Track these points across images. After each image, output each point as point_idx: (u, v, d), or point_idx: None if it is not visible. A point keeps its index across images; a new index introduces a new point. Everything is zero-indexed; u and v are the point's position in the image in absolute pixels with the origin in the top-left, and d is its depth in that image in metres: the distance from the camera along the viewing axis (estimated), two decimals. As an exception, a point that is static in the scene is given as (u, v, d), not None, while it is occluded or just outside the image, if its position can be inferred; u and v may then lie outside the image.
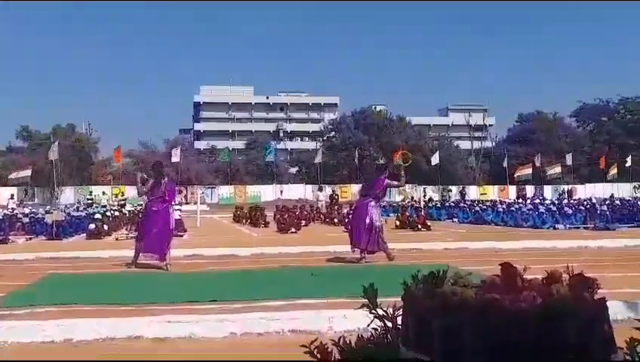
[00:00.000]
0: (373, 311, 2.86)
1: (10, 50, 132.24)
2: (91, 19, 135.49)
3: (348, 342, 2.75)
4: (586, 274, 2.69)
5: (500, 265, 2.73)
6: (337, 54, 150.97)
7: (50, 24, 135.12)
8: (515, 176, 52.77)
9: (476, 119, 76.82)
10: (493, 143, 71.12)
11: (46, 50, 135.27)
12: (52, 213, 19.43)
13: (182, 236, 17.39)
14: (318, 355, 2.68)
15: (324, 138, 68.03)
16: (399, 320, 2.87)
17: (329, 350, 2.73)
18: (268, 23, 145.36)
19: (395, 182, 12.76)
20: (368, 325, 2.84)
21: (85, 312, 6.18)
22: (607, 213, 21.61)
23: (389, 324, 2.84)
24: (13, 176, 46.12)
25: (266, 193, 52.64)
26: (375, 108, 67.95)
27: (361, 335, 2.77)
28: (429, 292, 2.69)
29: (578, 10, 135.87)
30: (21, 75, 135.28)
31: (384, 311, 2.85)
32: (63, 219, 19.35)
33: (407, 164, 13.20)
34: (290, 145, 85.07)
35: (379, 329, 2.79)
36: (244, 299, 6.91)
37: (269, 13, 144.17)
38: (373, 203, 11.05)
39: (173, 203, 11.06)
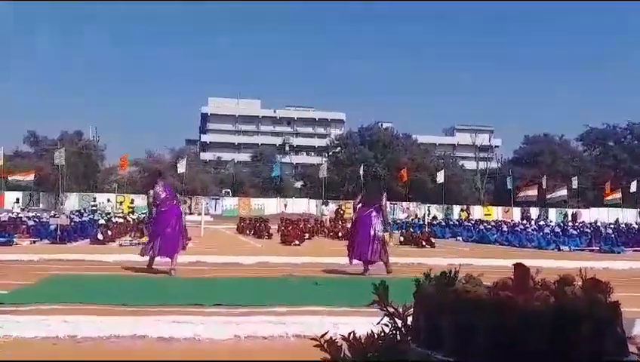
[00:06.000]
0: (383, 309, 2.86)
1: (20, 56, 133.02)
2: (102, 27, 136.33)
3: (358, 337, 2.74)
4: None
5: (513, 264, 2.73)
6: (345, 71, 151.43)
7: (60, 30, 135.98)
8: (519, 195, 52.62)
9: (482, 140, 76.89)
10: (499, 164, 71.04)
11: (55, 56, 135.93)
12: (57, 217, 19.46)
13: (186, 244, 17.34)
14: (328, 349, 2.68)
15: (330, 153, 68.05)
16: (409, 320, 2.86)
17: (339, 345, 2.73)
18: (277, 37, 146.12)
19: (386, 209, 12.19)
20: (378, 323, 2.83)
21: (89, 311, 6.17)
22: (613, 235, 21.54)
23: (399, 322, 2.83)
24: (13, 177, 46.03)
25: (270, 206, 52.58)
26: (381, 125, 67.98)
27: (372, 332, 2.76)
28: (441, 289, 2.68)
29: (585, 35, 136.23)
30: (30, 82, 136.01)
31: (394, 308, 2.84)
32: (68, 223, 19.38)
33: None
34: (295, 159, 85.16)
35: (389, 325, 2.78)
36: (249, 304, 6.89)
37: (279, 29, 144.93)
38: (374, 213, 11.03)
39: (176, 198, 11.06)
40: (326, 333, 2.71)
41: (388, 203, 11.46)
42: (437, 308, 2.59)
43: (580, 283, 2.63)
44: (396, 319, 2.83)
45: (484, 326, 2.43)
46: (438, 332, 2.57)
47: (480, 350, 2.42)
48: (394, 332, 2.80)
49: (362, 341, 2.77)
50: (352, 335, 2.75)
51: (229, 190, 58.51)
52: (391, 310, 2.83)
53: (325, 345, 2.68)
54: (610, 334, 2.47)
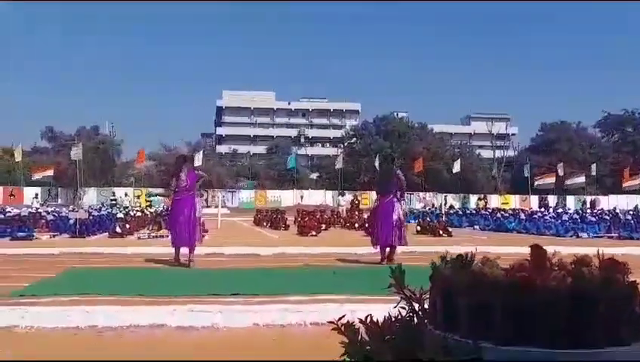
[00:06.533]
0: (400, 292, 2.86)
1: (37, 54, 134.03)
2: (120, 21, 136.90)
3: (375, 320, 2.75)
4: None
5: (529, 246, 2.72)
6: (360, 61, 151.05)
7: (77, 28, 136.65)
8: (536, 183, 52.18)
9: (499, 128, 76.36)
10: (516, 152, 70.55)
11: (72, 53, 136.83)
12: (76, 211, 19.65)
13: (203, 236, 17.45)
14: (346, 333, 2.69)
15: (345, 144, 67.98)
16: (426, 303, 2.86)
17: (356, 328, 2.73)
18: (291, 29, 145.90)
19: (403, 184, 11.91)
20: (395, 306, 2.84)
21: (108, 301, 6.24)
22: (632, 222, 21.32)
23: (416, 306, 2.83)
24: (36, 177, 46.65)
25: (287, 198, 52.69)
26: (397, 115, 67.74)
27: (389, 315, 2.77)
28: (457, 272, 2.68)
29: (602, 23, 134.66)
30: (48, 79, 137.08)
31: (411, 291, 2.84)
32: (87, 217, 19.57)
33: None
34: (311, 150, 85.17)
35: (406, 308, 2.78)
36: (267, 293, 6.93)
37: (293, 20, 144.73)
38: (395, 199, 11.01)
39: (194, 190, 10.79)
40: (343, 316, 2.72)
41: (404, 181, 11.30)
42: (453, 290, 2.58)
43: (597, 264, 2.62)
44: (413, 302, 2.83)
45: (501, 307, 2.42)
46: (454, 314, 2.56)
47: (497, 330, 2.42)
48: (411, 315, 2.81)
49: (379, 324, 2.77)
50: (369, 318, 2.76)
51: (249, 181, 58.74)
52: (407, 293, 2.83)
53: (342, 328, 2.69)
54: (627, 314, 2.45)
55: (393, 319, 2.76)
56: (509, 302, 2.37)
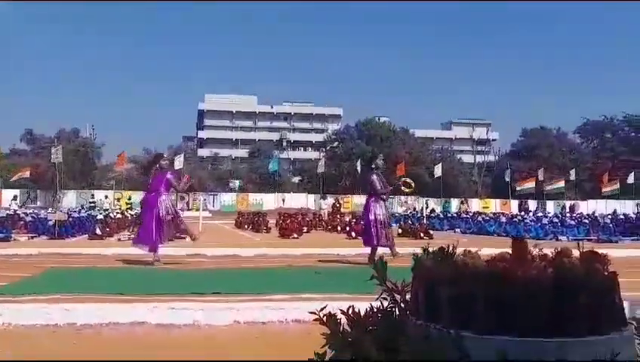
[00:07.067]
0: (382, 284, 2.86)
1: (18, 55, 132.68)
2: (100, 23, 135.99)
3: (357, 311, 2.74)
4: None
5: (510, 238, 2.74)
6: (342, 66, 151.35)
7: (57, 27, 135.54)
8: (517, 188, 52.59)
9: (480, 133, 76.91)
10: (497, 157, 71.09)
11: (52, 55, 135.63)
12: (55, 212, 19.45)
13: (184, 238, 17.36)
14: (327, 323, 2.68)
15: (327, 148, 68.06)
16: (408, 296, 2.86)
17: (338, 319, 2.73)
18: (273, 32, 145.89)
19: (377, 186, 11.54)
20: (377, 298, 2.83)
21: (88, 299, 6.17)
22: (611, 225, 21.55)
23: (398, 297, 2.83)
24: (14, 179, 46.12)
25: (268, 201, 52.59)
26: (379, 119, 67.94)
27: (371, 306, 2.76)
28: (439, 262, 2.69)
29: (581, 25, 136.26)
30: (27, 81, 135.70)
31: (393, 283, 2.84)
32: (65, 219, 19.37)
33: (409, 190, 12.99)
34: (293, 154, 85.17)
35: (388, 300, 2.78)
36: (248, 292, 6.90)
37: (275, 23, 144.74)
38: (372, 199, 11.09)
39: (161, 190, 10.64)
40: (325, 307, 2.71)
41: (375, 179, 11.28)
42: (435, 281, 2.59)
43: (577, 257, 2.64)
44: (395, 294, 2.83)
45: (483, 297, 2.43)
46: (436, 304, 2.57)
47: (478, 320, 2.42)
48: (392, 306, 2.81)
49: (361, 315, 2.77)
50: (350, 309, 2.76)
51: (238, 181, 58.52)
52: (389, 285, 2.83)
53: (324, 319, 2.68)
54: (608, 303, 2.47)
55: (375, 310, 2.76)
56: (491, 291, 2.38)
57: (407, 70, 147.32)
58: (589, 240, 19.70)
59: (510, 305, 2.33)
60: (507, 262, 2.59)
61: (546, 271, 2.46)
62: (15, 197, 40.41)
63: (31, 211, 24.38)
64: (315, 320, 2.67)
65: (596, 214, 28.12)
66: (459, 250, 2.82)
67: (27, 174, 45.28)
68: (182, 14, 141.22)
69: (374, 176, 11.21)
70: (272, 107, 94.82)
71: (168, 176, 10.89)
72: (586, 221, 22.94)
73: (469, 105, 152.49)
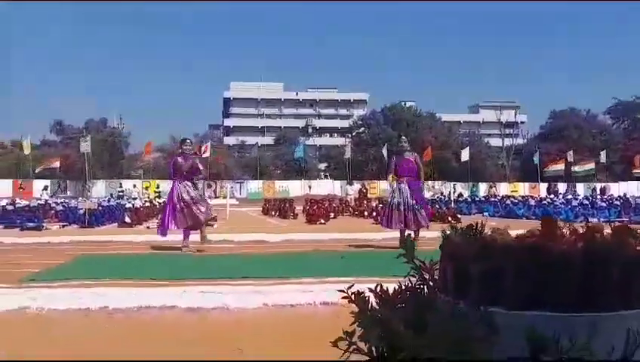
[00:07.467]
0: (410, 262, 2.84)
1: (46, 47, 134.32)
2: (127, 13, 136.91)
3: (385, 289, 2.74)
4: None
5: (540, 219, 2.70)
6: (368, 51, 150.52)
7: (84, 17, 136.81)
8: (545, 170, 51.90)
9: (507, 116, 75.98)
10: (525, 140, 70.19)
11: (79, 46, 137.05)
12: (85, 201, 19.74)
13: (212, 226, 17.50)
14: (356, 301, 2.68)
15: (353, 134, 67.91)
16: (436, 273, 2.85)
17: (367, 297, 2.72)
18: (299, 19, 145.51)
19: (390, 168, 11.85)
20: (405, 276, 2.82)
21: (119, 284, 6.26)
22: (643, 206, 21.23)
23: (427, 275, 2.82)
24: (40, 169, 46.77)
25: (295, 188, 52.70)
26: (405, 104, 67.53)
27: (400, 284, 2.75)
28: (468, 238, 2.66)
29: (611, 6, 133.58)
30: (56, 72, 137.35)
31: (422, 261, 2.83)
32: (96, 208, 19.66)
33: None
34: (318, 141, 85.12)
35: (416, 278, 2.77)
36: (276, 276, 6.93)
37: (300, 10, 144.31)
38: (400, 183, 11.07)
39: (176, 175, 10.58)
40: (352, 285, 2.70)
41: (392, 162, 11.38)
42: (464, 257, 2.57)
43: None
44: (423, 272, 2.82)
45: (512, 272, 2.40)
46: (465, 281, 2.55)
47: (508, 296, 2.40)
48: (421, 284, 2.80)
49: (389, 293, 2.76)
50: (379, 287, 2.75)
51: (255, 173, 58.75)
52: (417, 263, 2.81)
53: (353, 297, 2.67)
54: (639, 277, 2.43)
55: (403, 288, 2.75)
56: (520, 266, 2.36)
57: (433, 54, 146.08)
58: (620, 221, 19.43)
59: (540, 280, 2.31)
60: (536, 237, 2.56)
61: (577, 244, 2.43)
62: (46, 188, 40.94)
63: (61, 201, 24.74)
64: (344, 298, 2.67)
65: (628, 196, 27.66)
66: (487, 230, 2.79)
67: (55, 165, 45.98)
68: (208, 2, 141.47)
69: (391, 159, 11.29)
70: (297, 94, 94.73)
71: (179, 160, 10.65)
72: (617, 203, 22.59)
73: (496, 88, 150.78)
